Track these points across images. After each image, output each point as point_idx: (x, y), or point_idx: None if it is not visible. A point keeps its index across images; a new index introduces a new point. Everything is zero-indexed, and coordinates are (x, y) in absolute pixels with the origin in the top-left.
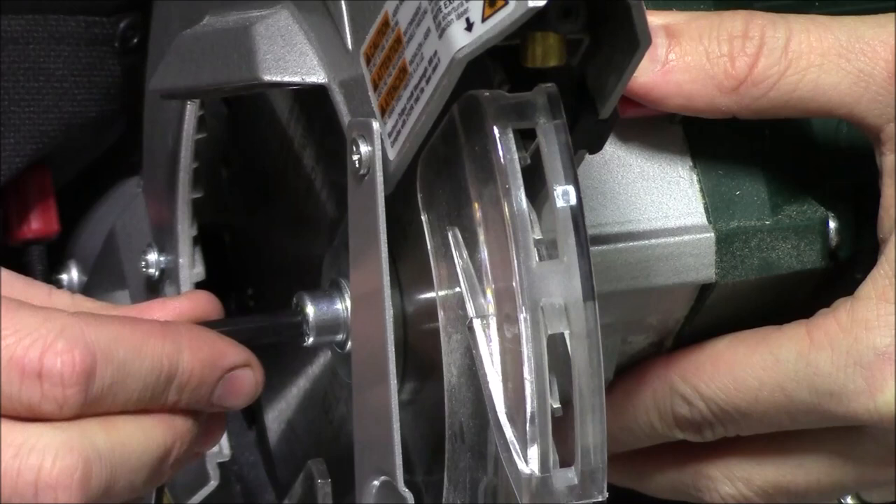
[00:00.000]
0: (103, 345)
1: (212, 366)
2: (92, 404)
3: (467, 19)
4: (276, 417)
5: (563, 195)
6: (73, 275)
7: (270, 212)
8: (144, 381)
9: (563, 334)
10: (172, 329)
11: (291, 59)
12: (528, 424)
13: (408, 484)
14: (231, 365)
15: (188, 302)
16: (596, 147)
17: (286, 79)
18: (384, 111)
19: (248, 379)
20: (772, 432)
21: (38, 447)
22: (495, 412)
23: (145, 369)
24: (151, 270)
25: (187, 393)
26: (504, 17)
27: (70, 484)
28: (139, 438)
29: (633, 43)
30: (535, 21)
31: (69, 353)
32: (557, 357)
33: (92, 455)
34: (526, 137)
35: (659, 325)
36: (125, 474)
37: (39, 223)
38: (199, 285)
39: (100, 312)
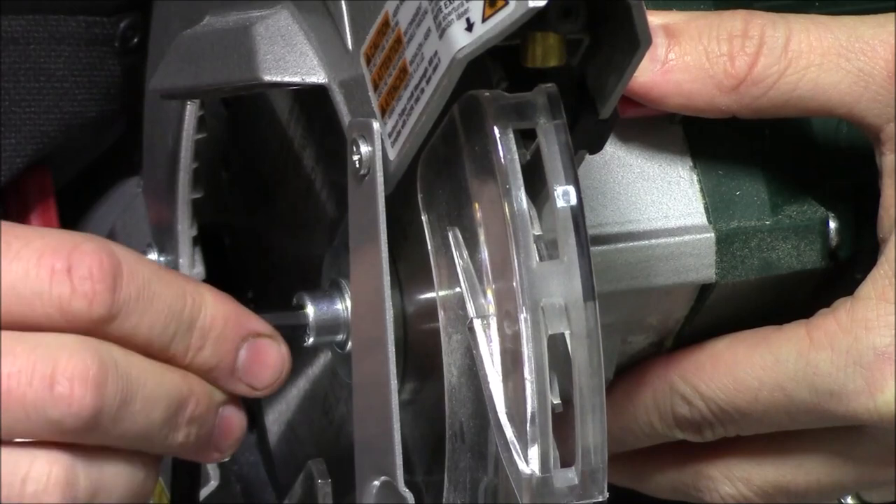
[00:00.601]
0: (128, 260)
1: (235, 322)
2: (118, 314)
3: (467, 19)
4: (276, 418)
5: (563, 195)
6: None
7: (270, 212)
8: (169, 308)
9: (563, 334)
10: (194, 279)
11: (291, 60)
12: (528, 424)
13: (408, 484)
14: (255, 330)
15: None
16: (596, 147)
17: (286, 79)
18: (384, 111)
19: (274, 350)
20: (772, 432)
21: (55, 345)
22: (495, 412)
23: (169, 296)
24: None
25: (210, 343)
26: (504, 17)
27: (86, 378)
28: (156, 375)
29: (633, 43)
30: (535, 21)
31: (97, 254)
32: (557, 357)
33: (108, 361)
34: (526, 137)
35: (659, 325)
36: (141, 399)
37: (39, 223)
38: None
39: None
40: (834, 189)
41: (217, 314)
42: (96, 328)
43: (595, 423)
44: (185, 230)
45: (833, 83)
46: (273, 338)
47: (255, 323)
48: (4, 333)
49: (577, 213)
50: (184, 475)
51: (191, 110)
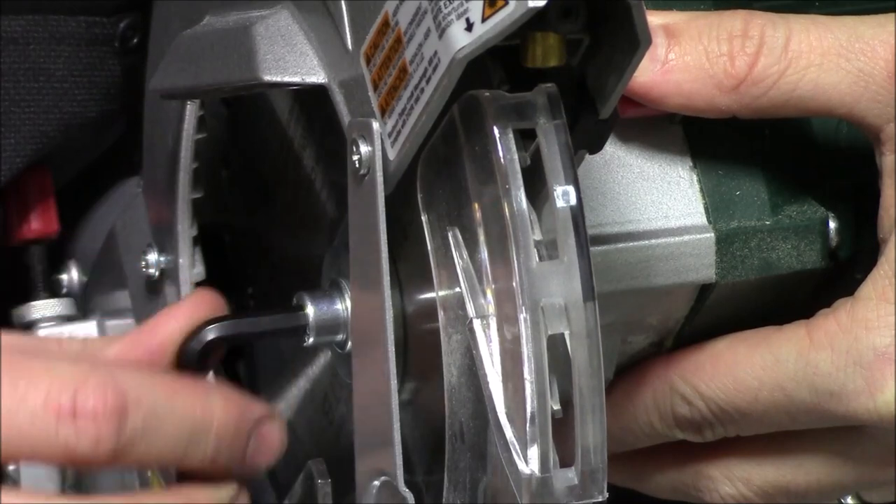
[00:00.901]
0: (133, 387)
1: (244, 417)
2: (126, 448)
3: (467, 19)
4: None
5: (563, 195)
6: (73, 275)
7: (270, 212)
8: (177, 430)
9: (563, 334)
10: (200, 382)
11: (291, 60)
12: (528, 425)
13: (408, 484)
14: (260, 416)
15: (192, 304)
16: (596, 147)
17: (286, 79)
18: (384, 111)
19: (276, 432)
20: (772, 432)
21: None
22: (495, 412)
23: (177, 418)
24: (151, 270)
25: (224, 447)
26: (504, 17)
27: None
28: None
29: (633, 43)
30: (535, 21)
31: (101, 392)
32: (557, 357)
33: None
34: (526, 137)
35: (659, 325)
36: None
37: (39, 223)
38: (199, 285)
39: (112, 343)
40: (834, 189)
41: (228, 419)
42: (105, 462)
43: (595, 424)
44: (185, 230)
45: (833, 83)
46: (272, 417)
47: (259, 408)
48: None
49: (577, 213)
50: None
51: (191, 110)
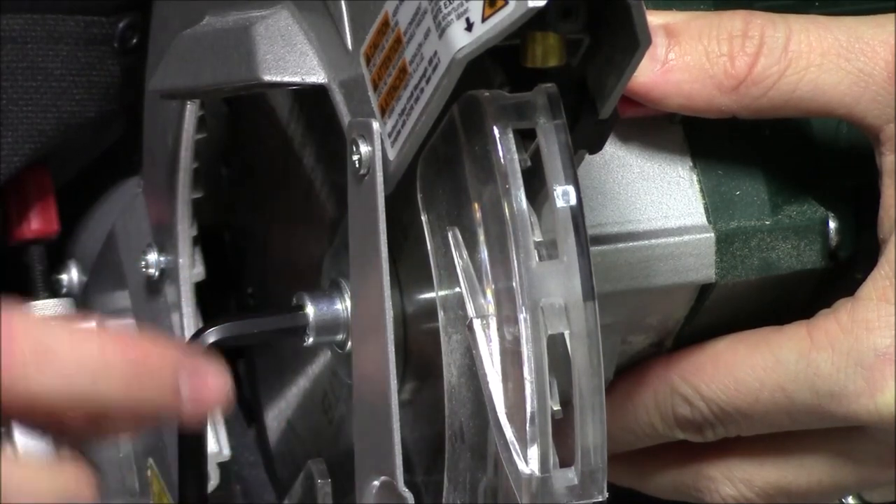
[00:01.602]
0: (21, 321)
1: (161, 357)
2: (17, 380)
3: (467, 19)
4: (275, 417)
5: (563, 195)
6: (73, 275)
7: (270, 212)
8: (77, 363)
9: (563, 334)
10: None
11: (291, 59)
12: (528, 425)
13: (408, 484)
14: (188, 360)
15: None
16: (596, 147)
17: (286, 79)
18: (384, 111)
19: (213, 376)
20: (773, 433)
21: None
22: (495, 412)
23: (74, 351)
24: (151, 270)
25: (141, 385)
26: (504, 17)
27: None
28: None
29: (633, 43)
30: (535, 21)
31: None
32: (557, 357)
33: None
34: (526, 137)
35: (659, 326)
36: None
37: (39, 223)
38: (199, 285)
39: None
40: (834, 189)
41: (141, 351)
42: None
43: (595, 424)
44: (185, 230)
45: (833, 83)
46: (211, 366)
47: (186, 354)
48: None
49: (577, 213)
50: (190, 476)
51: (191, 110)
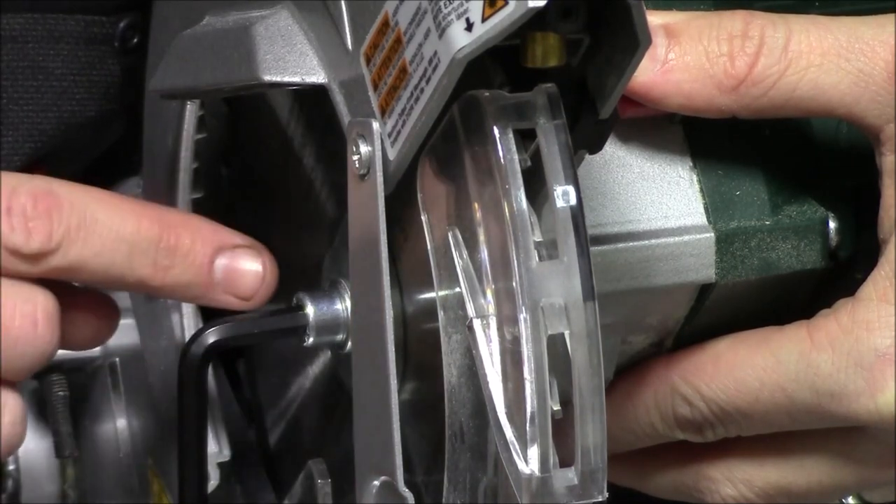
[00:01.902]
0: (67, 192)
1: (205, 237)
2: (60, 246)
3: (467, 19)
4: (276, 417)
5: (563, 195)
6: None
7: (270, 212)
8: (116, 233)
9: (563, 334)
10: (158, 205)
11: (291, 59)
12: (528, 424)
13: (408, 484)
14: (229, 242)
15: None
16: (596, 147)
17: (286, 79)
18: (384, 111)
19: (251, 257)
20: (773, 433)
21: None
22: (495, 412)
23: (117, 221)
24: None
25: (179, 260)
26: (504, 17)
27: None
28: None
29: (633, 43)
30: (535, 21)
31: (33, 192)
32: (557, 357)
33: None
34: (526, 137)
35: (659, 326)
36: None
37: None
38: None
39: None
40: (834, 189)
41: (182, 232)
42: (40, 262)
43: (595, 424)
44: None
45: (833, 84)
46: (252, 247)
47: (229, 236)
48: None
49: (577, 213)
50: (190, 476)
51: (191, 110)
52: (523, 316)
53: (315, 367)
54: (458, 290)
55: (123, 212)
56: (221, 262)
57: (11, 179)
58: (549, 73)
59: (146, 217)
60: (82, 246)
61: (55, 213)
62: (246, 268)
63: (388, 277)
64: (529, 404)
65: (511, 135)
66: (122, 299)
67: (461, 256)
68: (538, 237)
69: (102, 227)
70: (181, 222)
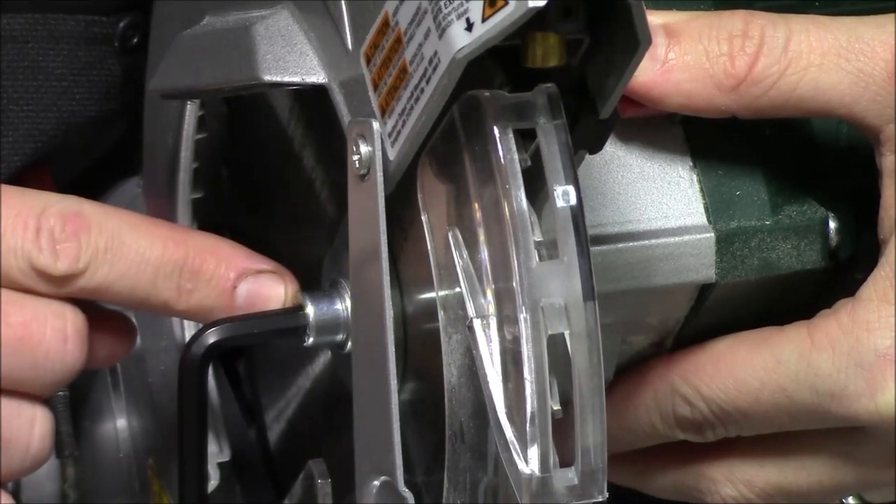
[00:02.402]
0: (97, 213)
1: (229, 261)
2: (87, 268)
3: (467, 19)
4: (276, 417)
5: (563, 195)
6: None
7: (270, 212)
8: (142, 256)
9: (563, 334)
10: (183, 227)
11: (291, 59)
12: (528, 424)
13: (408, 484)
14: (253, 268)
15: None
16: (596, 147)
17: (286, 79)
18: (384, 111)
19: (274, 283)
20: (773, 433)
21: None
22: (495, 412)
23: (143, 244)
24: None
25: (202, 284)
26: (504, 17)
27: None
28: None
29: (634, 43)
30: (535, 21)
31: (63, 213)
32: (557, 357)
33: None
34: (526, 137)
35: (659, 326)
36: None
37: None
38: None
39: None
40: (834, 189)
41: (207, 256)
42: (66, 284)
43: (595, 424)
44: None
45: (833, 84)
46: (276, 272)
47: (253, 261)
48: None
49: (577, 213)
50: (190, 476)
51: (191, 110)
52: (523, 316)
53: (315, 367)
54: (458, 290)
55: (150, 235)
56: (244, 286)
57: (41, 199)
58: (549, 73)
59: (172, 240)
60: (109, 269)
61: (83, 235)
62: (268, 293)
63: (388, 277)
64: (529, 404)
65: (511, 135)
66: None
67: (461, 256)
68: (538, 237)
69: (129, 249)
70: (207, 246)
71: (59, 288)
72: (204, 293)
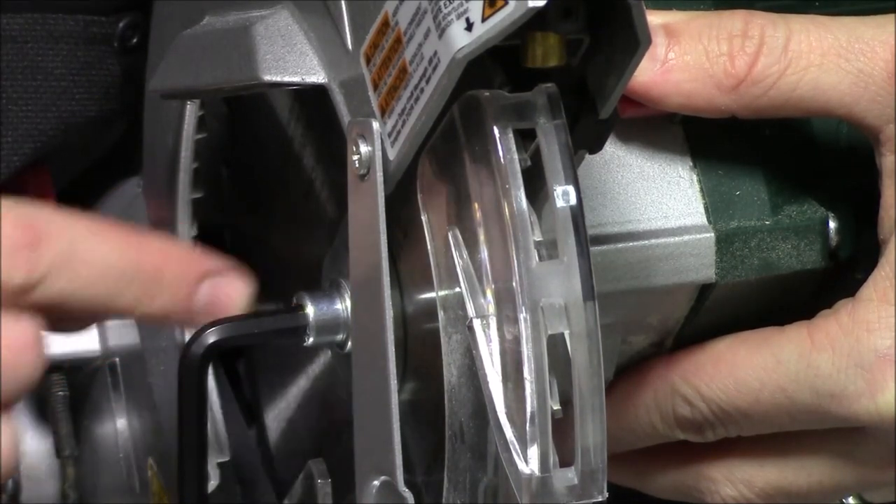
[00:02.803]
0: (51, 222)
1: (187, 265)
2: (43, 280)
3: (467, 19)
4: (276, 417)
5: (563, 195)
6: None
7: (270, 212)
8: (101, 264)
9: (563, 334)
10: (136, 230)
11: (291, 59)
12: (528, 424)
13: (408, 484)
14: (211, 269)
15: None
16: (596, 147)
17: (286, 79)
18: (384, 111)
19: (235, 284)
20: (773, 433)
21: None
22: (495, 412)
23: (102, 252)
24: None
25: (161, 290)
26: (504, 17)
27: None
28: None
29: (633, 43)
30: (535, 21)
31: (14, 224)
32: (557, 357)
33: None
34: (526, 137)
35: (659, 326)
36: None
37: None
38: None
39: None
40: (834, 189)
41: (165, 259)
42: (23, 296)
43: (595, 424)
44: (185, 230)
45: (833, 84)
46: (234, 273)
47: (211, 263)
48: None
49: (577, 213)
50: (190, 476)
51: (191, 110)
52: (523, 316)
53: (315, 367)
54: (458, 290)
55: (108, 241)
56: (205, 289)
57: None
58: (549, 73)
59: (130, 246)
60: (67, 279)
61: (42, 244)
62: (229, 294)
63: (388, 277)
64: (529, 404)
65: (511, 135)
66: None
67: (461, 256)
68: (538, 237)
69: (87, 257)
70: (166, 250)
71: (15, 299)
72: (165, 297)
